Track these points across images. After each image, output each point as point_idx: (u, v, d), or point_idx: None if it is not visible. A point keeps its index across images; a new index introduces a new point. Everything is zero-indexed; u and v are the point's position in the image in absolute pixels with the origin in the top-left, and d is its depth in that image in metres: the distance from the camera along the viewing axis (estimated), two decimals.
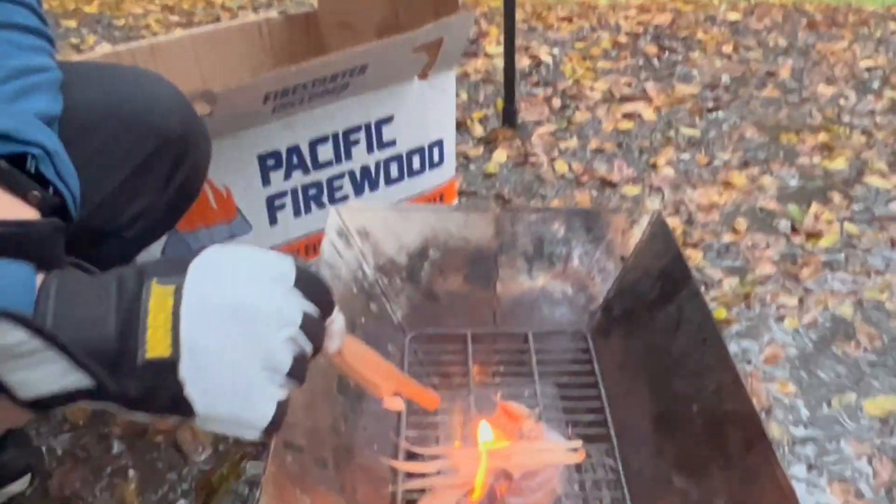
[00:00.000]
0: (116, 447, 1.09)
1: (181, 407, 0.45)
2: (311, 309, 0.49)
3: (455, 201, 1.47)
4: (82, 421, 1.12)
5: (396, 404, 0.90)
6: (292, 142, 1.19)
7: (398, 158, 1.32)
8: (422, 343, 0.99)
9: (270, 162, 1.18)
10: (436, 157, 1.36)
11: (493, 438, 0.79)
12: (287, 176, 1.21)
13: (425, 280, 1.01)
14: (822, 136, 1.89)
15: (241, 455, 1.07)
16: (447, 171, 1.40)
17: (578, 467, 0.89)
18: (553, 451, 0.78)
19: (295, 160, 1.21)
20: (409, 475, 0.82)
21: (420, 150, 1.34)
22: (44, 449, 1.07)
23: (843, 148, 1.85)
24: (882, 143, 1.87)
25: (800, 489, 1.05)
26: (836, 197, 1.67)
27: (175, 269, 0.46)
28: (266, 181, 1.20)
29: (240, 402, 0.46)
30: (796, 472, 1.08)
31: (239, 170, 1.16)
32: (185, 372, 0.44)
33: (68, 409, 0.45)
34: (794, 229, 1.57)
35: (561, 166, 1.78)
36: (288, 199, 1.24)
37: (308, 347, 0.49)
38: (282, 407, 0.48)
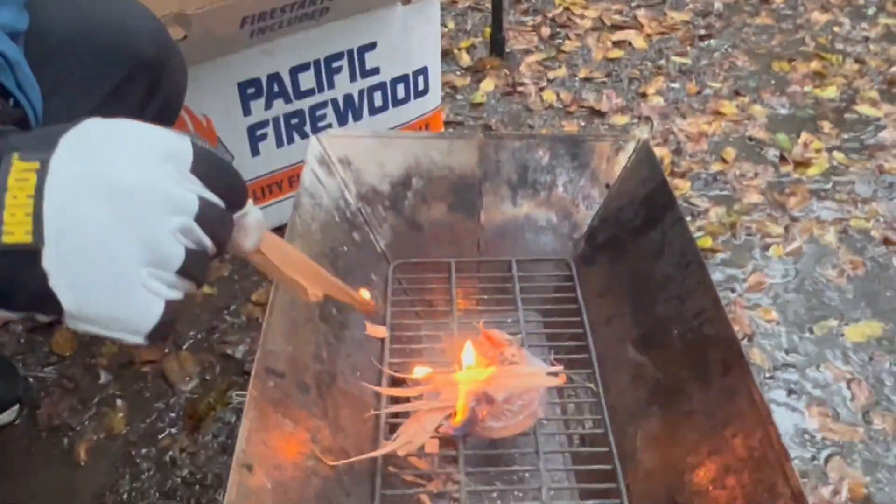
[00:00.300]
0: (103, 377, 1.09)
1: (46, 303, 0.39)
2: (212, 198, 0.43)
3: (441, 131, 1.45)
4: (69, 352, 1.12)
5: (379, 332, 0.91)
6: (272, 69, 1.16)
7: (382, 87, 1.29)
8: (405, 272, 0.99)
9: (251, 90, 1.16)
10: (420, 86, 1.34)
11: (474, 363, 0.79)
12: (268, 105, 1.19)
13: (409, 209, 1.01)
14: (815, 64, 1.86)
15: (228, 384, 1.08)
16: (432, 101, 1.38)
17: (560, 392, 0.90)
18: (534, 374, 0.78)
19: (276, 88, 1.18)
20: (392, 400, 0.82)
21: (404, 79, 1.31)
22: (31, 380, 1.08)
23: (835, 76, 1.83)
24: (875, 70, 1.84)
25: (779, 413, 1.07)
26: (826, 126, 1.65)
27: (43, 142, 0.39)
28: (247, 110, 1.17)
29: (117, 300, 0.40)
30: (776, 396, 1.09)
31: (218, 98, 1.13)
32: (50, 262, 0.38)
33: None
34: (782, 158, 1.56)
35: (549, 96, 1.75)
36: (270, 129, 1.21)
37: (207, 242, 0.42)
38: (171, 309, 0.42)
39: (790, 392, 1.10)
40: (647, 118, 1.68)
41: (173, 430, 1.03)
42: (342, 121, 1.28)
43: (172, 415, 1.05)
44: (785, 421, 1.06)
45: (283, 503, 0.63)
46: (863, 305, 1.23)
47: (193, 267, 0.42)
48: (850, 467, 1.00)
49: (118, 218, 0.39)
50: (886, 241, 1.34)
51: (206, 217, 0.42)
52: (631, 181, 0.98)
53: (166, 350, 1.13)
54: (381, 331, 0.90)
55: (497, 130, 1.63)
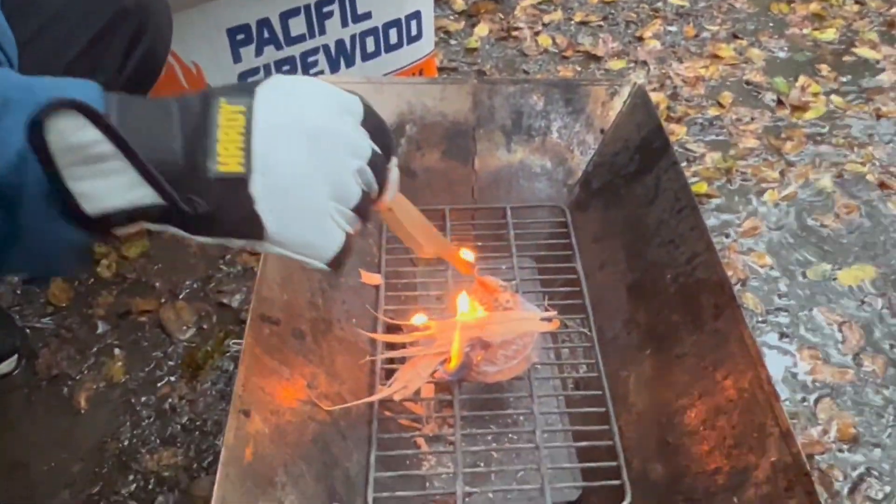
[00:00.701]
0: (101, 327, 1.10)
1: (250, 227, 0.44)
2: (378, 148, 0.49)
3: (434, 77, 1.43)
4: (65, 302, 1.13)
5: (374, 279, 0.91)
6: (262, 14, 1.14)
7: (374, 32, 1.27)
8: None
9: (240, 36, 1.14)
10: (413, 31, 1.31)
11: (469, 309, 0.80)
12: (258, 52, 1.17)
13: (402, 156, 1.00)
14: (814, 6, 1.83)
15: (225, 332, 1.09)
16: (426, 46, 1.35)
17: (554, 337, 0.91)
18: (528, 320, 0.79)
19: (266, 34, 1.16)
20: (388, 346, 0.83)
21: (397, 23, 1.29)
22: (28, 331, 1.09)
23: (834, 18, 1.80)
24: (875, 11, 1.82)
25: (771, 356, 1.08)
26: (825, 69, 1.63)
27: (242, 91, 0.44)
28: (237, 57, 1.16)
29: (311, 227, 0.46)
30: (768, 339, 1.11)
31: (207, 45, 1.11)
32: (257, 189, 0.43)
33: (127, 231, 0.44)
34: (779, 102, 1.54)
35: (544, 40, 1.73)
36: (260, 77, 1.19)
37: (374, 186, 0.49)
38: (348, 241, 0.48)
39: (782, 335, 1.11)
40: (644, 62, 1.66)
41: (172, 379, 1.04)
42: (334, 67, 1.26)
43: (171, 363, 1.06)
44: (777, 364, 1.07)
45: (280, 447, 0.64)
46: (856, 249, 1.23)
47: (364, 205, 0.48)
48: (839, 408, 1.01)
49: (313, 156, 0.44)
50: (882, 185, 1.34)
51: (376, 163, 0.48)
52: (626, 126, 0.97)
53: (162, 300, 1.13)
54: (375, 278, 0.90)
55: (491, 76, 1.61)
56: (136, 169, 0.40)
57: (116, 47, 0.78)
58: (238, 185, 0.43)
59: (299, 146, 0.44)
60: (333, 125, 0.46)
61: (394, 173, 0.53)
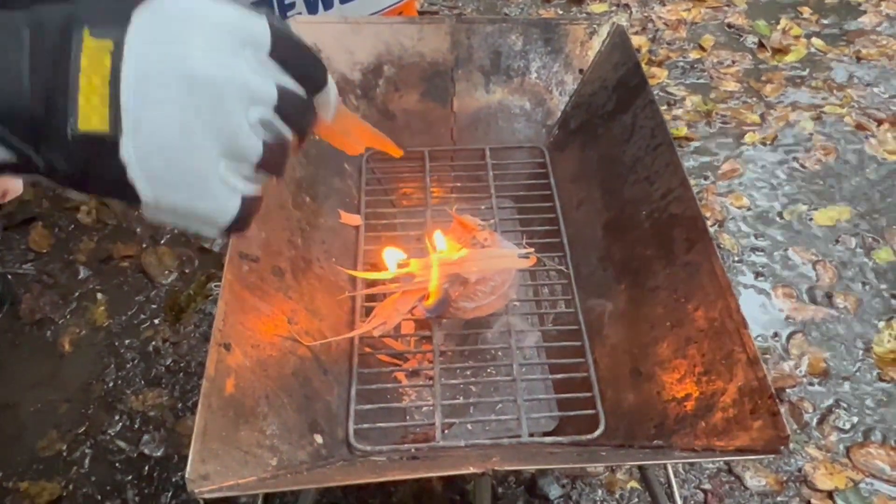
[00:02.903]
0: (82, 273, 1.10)
1: (124, 192, 0.38)
2: (292, 84, 0.41)
3: (412, 17, 1.41)
4: (46, 248, 1.13)
5: (354, 220, 0.92)
6: None
7: None
8: (378, 162, 0.99)
9: None
10: None
11: (447, 247, 0.80)
12: None
13: (380, 97, 0.99)
14: None
15: (207, 276, 1.10)
16: None
17: (532, 275, 0.92)
18: (505, 256, 0.80)
19: None
20: (368, 284, 0.84)
21: None
22: (10, 277, 1.09)
23: None
24: None
25: (746, 295, 1.10)
26: (807, 11, 1.63)
27: (115, 16, 0.36)
28: None
29: (195, 192, 0.39)
30: (744, 280, 1.13)
31: None
32: (128, 152, 0.36)
33: None
34: (761, 45, 1.54)
35: None
36: None
37: (286, 132, 0.41)
38: (249, 203, 0.40)
39: (758, 275, 1.13)
40: (626, 5, 1.64)
41: (155, 322, 1.05)
42: (312, 9, 1.24)
43: (153, 307, 1.06)
44: (751, 302, 1.09)
45: (262, 379, 0.66)
46: (833, 190, 1.25)
47: (271, 160, 0.40)
48: (810, 344, 1.04)
49: (196, 108, 0.37)
50: (859, 127, 1.35)
51: (286, 107, 0.40)
52: (604, 66, 0.97)
53: (143, 245, 1.13)
54: (355, 219, 0.91)
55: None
56: None
57: None
58: (104, 146, 0.36)
59: (177, 96, 0.37)
60: (222, 69, 0.38)
61: (330, 95, 0.45)
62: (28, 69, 0.35)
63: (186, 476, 0.54)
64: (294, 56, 0.41)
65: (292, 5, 1.22)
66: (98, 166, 0.36)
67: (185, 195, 0.39)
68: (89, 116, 0.35)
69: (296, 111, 0.41)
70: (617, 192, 0.86)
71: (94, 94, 0.35)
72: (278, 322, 0.72)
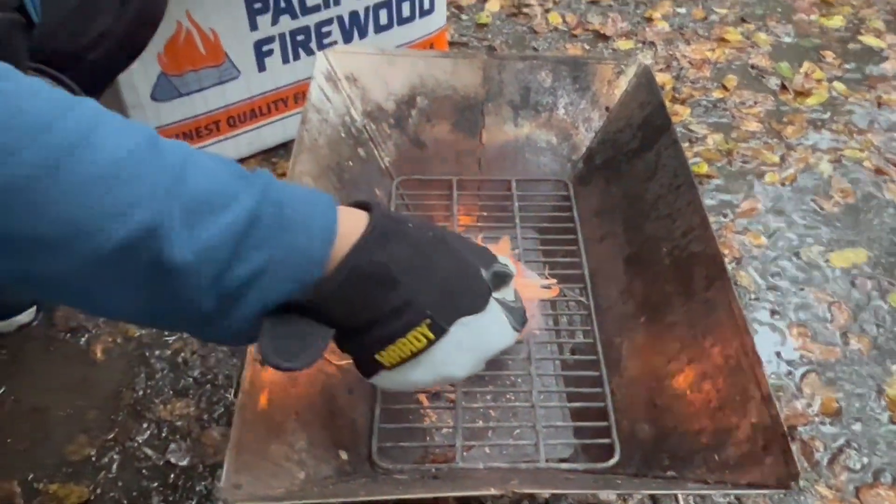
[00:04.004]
0: None
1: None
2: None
3: (446, 51, 1.46)
4: None
5: None
6: None
7: (388, 4, 1.30)
8: (408, 188, 1.02)
9: (257, 5, 1.17)
10: (426, 4, 1.34)
11: None
12: (275, 20, 1.20)
13: (412, 127, 1.03)
14: None
15: None
16: (437, 20, 1.38)
17: (553, 305, 0.95)
18: (529, 286, 0.83)
19: (282, 4, 1.19)
20: None
21: None
22: None
23: (842, 5, 1.82)
24: (882, 0, 1.83)
25: (762, 332, 1.12)
26: (830, 55, 1.66)
27: (445, 314, 0.52)
28: (253, 25, 1.18)
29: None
30: (760, 316, 1.15)
31: (225, 12, 1.14)
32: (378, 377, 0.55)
33: None
34: (783, 87, 1.57)
35: (554, 18, 1.75)
36: (276, 45, 1.23)
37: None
38: None
39: (773, 313, 1.15)
40: (652, 43, 1.68)
41: (184, 335, 1.08)
42: (347, 38, 1.29)
43: None
44: (767, 340, 1.11)
45: (292, 395, 0.69)
46: (850, 233, 1.27)
47: None
48: (823, 384, 1.05)
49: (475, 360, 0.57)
50: (878, 171, 1.37)
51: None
52: (630, 105, 1.00)
53: None
54: None
55: (501, 52, 1.63)
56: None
57: None
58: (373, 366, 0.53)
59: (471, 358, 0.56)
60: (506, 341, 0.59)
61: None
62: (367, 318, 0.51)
63: (221, 485, 0.57)
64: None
65: (329, 33, 1.26)
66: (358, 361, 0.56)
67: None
68: (388, 359, 0.52)
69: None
70: (639, 228, 0.89)
71: (400, 350, 0.51)
72: None
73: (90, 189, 0.37)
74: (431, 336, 0.50)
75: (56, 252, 0.37)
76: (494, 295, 0.56)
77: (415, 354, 0.51)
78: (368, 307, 0.49)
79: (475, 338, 0.54)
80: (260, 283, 0.44)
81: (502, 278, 0.56)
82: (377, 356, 0.51)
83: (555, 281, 0.85)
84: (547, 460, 0.74)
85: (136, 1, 0.81)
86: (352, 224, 0.48)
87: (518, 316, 0.59)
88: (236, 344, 0.49)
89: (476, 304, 0.54)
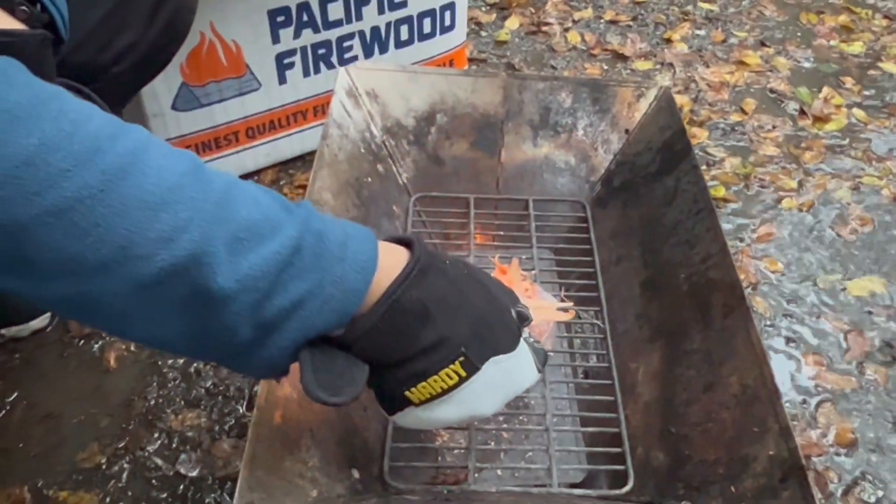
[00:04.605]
0: None
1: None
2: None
3: (465, 68, 1.46)
4: None
5: None
6: None
7: (409, 20, 1.30)
8: (425, 204, 1.02)
9: (280, 18, 1.17)
10: (447, 21, 1.34)
11: None
12: (297, 34, 1.21)
13: (432, 144, 1.03)
14: (843, 18, 1.85)
15: None
16: (458, 37, 1.39)
17: (568, 327, 0.94)
18: (546, 308, 0.82)
19: (305, 17, 1.19)
20: None
21: (431, 13, 1.32)
22: None
23: (862, 31, 1.82)
24: None
25: (777, 360, 1.11)
26: (849, 81, 1.65)
27: (478, 355, 0.52)
28: (276, 38, 1.19)
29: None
30: (775, 343, 1.14)
31: (248, 24, 1.15)
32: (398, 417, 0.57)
33: None
34: (802, 112, 1.57)
35: (574, 37, 1.75)
36: (297, 58, 1.23)
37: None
38: None
39: (789, 340, 1.14)
40: (670, 65, 1.68)
41: None
42: (368, 53, 1.29)
43: None
44: (782, 367, 1.10)
45: (306, 412, 0.68)
46: (867, 262, 1.26)
47: None
48: (839, 414, 1.04)
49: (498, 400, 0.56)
50: None
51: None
52: (650, 128, 1.00)
53: None
54: None
55: (520, 70, 1.64)
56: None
57: (143, 6, 0.80)
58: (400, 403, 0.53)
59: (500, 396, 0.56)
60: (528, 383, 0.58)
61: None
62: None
63: (235, 501, 0.56)
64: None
65: (350, 48, 1.27)
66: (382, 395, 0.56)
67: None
68: (418, 395, 0.52)
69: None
70: (657, 253, 0.89)
71: (432, 387, 0.51)
72: None
73: (140, 213, 0.37)
74: (464, 374, 0.50)
75: (102, 274, 0.37)
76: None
77: (444, 392, 0.51)
78: (404, 342, 0.49)
79: (505, 376, 0.54)
80: (299, 314, 0.44)
81: (524, 318, 0.57)
82: (407, 393, 0.51)
83: (571, 304, 0.84)
84: (559, 485, 0.74)
85: (164, 16, 0.81)
86: (393, 259, 0.48)
87: (541, 356, 0.59)
88: (269, 376, 0.49)
89: (508, 343, 0.54)
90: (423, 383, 0.50)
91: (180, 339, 0.43)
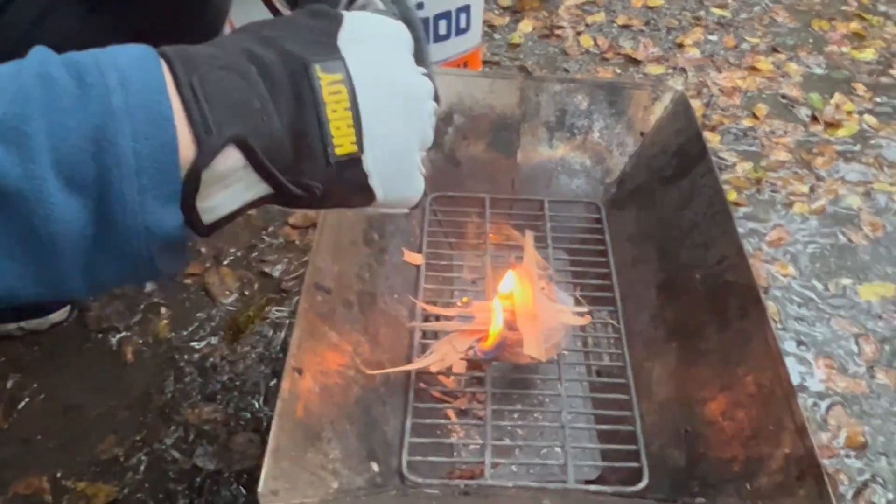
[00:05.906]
0: (148, 286, 1.16)
1: (361, 198, 0.45)
2: (429, 72, 0.47)
3: (484, 70, 1.47)
4: None
5: (416, 258, 0.96)
6: None
7: (425, 22, 1.31)
8: (442, 204, 1.03)
9: None
10: (462, 23, 1.35)
11: (514, 291, 0.84)
12: None
13: (449, 144, 1.04)
14: (855, 25, 1.85)
15: (266, 300, 1.14)
16: (473, 39, 1.40)
17: (584, 326, 0.95)
18: (562, 311, 0.83)
19: None
20: (426, 318, 0.88)
21: (447, 15, 1.33)
22: None
23: (874, 38, 1.82)
24: None
25: (788, 363, 1.12)
26: (861, 88, 1.66)
27: (327, 50, 0.41)
28: None
29: (409, 185, 0.46)
30: (786, 347, 1.14)
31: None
32: (369, 164, 0.42)
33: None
34: (813, 118, 1.57)
35: (586, 41, 1.76)
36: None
37: (436, 117, 0.48)
38: (425, 180, 0.48)
39: (800, 343, 1.15)
40: (682, 69, 1.69)
41: (213, 340, 1.09)
42: None
43: (213, 325, 1.11)
44: (792, 370, 1.11)
45: (328, 405, 0.69)
46: (878, 267, 1.27)
47: (433, 140, 0.48)
48: (849, 417, 1.05)
49: (407, 115, 0.44)
50: None
51: (436, 94, 0.47)
52: (665, 131, 1.01)
53: (207, 265, 1.19)
54: (417, 258, 0.95)
55: (533, 72, 1.65)
56: (259, 173, 0.39)
57: None
58: (353, 164, 0.42)
59: (398, 111, 0.43)
60: (411, 77, 0.44)
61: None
62: (274, 111, 0.39)
63: (259, 490, 0.58)
64: (423, 50, 0.48)
65: None
66: (347, 182, 0.43)
67: (403, 188, 0.46)
68: (342, 143, 0.41)
69: (437, 92, 0.48)
70: (672, 255, 0.90)
71: (342, 122, 0.40)
72: (345, 351, 0.76)
73: None
74: (340, 77, 0.40)
75: None
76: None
77: (356, 118, 0.41)
78: (251, 97, 0.38)
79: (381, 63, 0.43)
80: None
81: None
82: (333, 150, 0.41)
83: (587, 308, 0.85)
84: (574, 481, 0.75)
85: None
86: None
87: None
88: (173, 252, 0.40)
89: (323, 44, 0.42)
90: (330, 127, 0.41)
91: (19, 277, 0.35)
